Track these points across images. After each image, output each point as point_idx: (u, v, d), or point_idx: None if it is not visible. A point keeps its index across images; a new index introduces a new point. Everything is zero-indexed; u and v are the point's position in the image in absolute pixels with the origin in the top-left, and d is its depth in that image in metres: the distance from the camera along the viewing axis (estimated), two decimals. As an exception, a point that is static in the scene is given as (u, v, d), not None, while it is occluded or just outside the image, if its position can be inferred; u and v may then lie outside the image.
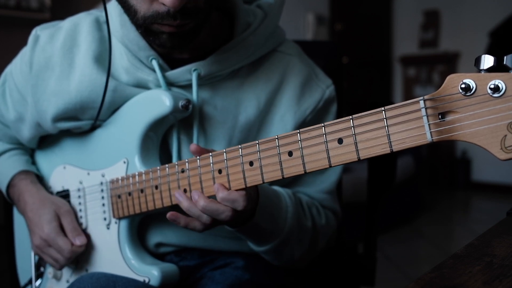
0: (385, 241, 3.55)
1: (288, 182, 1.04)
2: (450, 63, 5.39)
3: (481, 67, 0.58)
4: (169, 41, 0.87)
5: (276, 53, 1.03)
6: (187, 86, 0.97)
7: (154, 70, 0.96)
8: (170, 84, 0.97)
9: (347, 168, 3.58)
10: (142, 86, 0.98)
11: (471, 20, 5.22)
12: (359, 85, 5.19)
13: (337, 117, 1.09)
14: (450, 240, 3.81)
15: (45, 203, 1.04)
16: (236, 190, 0.80)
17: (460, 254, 0.68)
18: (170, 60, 0.97)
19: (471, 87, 0.58)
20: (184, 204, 0.84)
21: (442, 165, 5.36)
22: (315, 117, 1.02)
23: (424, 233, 3.93)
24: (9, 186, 1.11)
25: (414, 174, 4.18)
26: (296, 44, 1.09)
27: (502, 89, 0.56)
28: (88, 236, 1.04)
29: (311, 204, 1.03)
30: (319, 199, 1.06)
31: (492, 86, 0.56)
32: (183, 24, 0.84)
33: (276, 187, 0.99)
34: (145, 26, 0.86)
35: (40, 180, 1.13)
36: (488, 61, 0.58)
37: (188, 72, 0.95)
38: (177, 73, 0.95)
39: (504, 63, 0.56)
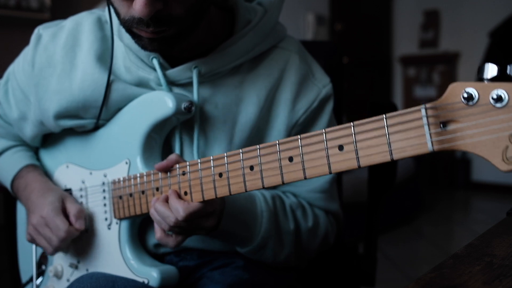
0: (385, 241, 3.55)
1: None
2: (450, 63, 5.39)
3: (484, 76, 0.57)
4: (150, 45, 0.87)
5: (277, 49, 1.03)
6: (188, 84, 0.97)
7: (154, 69, 0.96)
8: (170, 83, 0.97)
9: (347, 168, 3.57)
10: (143, 85, 0.99)
11: (471, 20, 5.22)
12: (359, 85, 5.19)
13: (334, 116, 1.09)
14: (450, 240, 3.81)
15: (53, 189, 1.05)
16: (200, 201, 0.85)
17: (460, 254, 0.68)
18: (171, 59, 0.97)
19: (474, 96, 0.57)
20: (151, 210, 0.90)
21: (442, 165, 5.36)
22: (309, 117, 1.02)
23: (424, 233, 3.93)
24: (15, 178, 1.11)
25: (414, 174, 4.18)
26: (297, 40, 1.09)
27: (505, 99, 0.55)
28: (88, 236, 1.04)
29: (296, 206, 1.03)
30: (308, 198, 1.05)
31: (494, 96, 0.55)
32: (159, 31, 0.84)
33: (254, 191, 0.99)
34: (127, 29, 0.87)
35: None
36: (491, 70, 0.56)
37: (189, 70, 0.95)
38: (177, 71, 0.96)
39: (508, 72, 0.55)
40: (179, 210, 0.83)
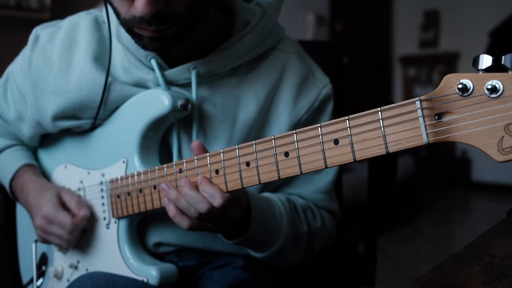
0: (385, 241, 3.55)
1: (282, 182, 1.04)
2: (450, 63, 5.39)
3: (479, 67, 0.57)
4: (151, 45, 0.87)
5: (275, 51, 1.03)
6: (187, 85, 0.97)
7: (153, 69, 0.96)
8: (169, 83, 0.97)
9: (347, 168, 3.58)
10: (141, 85, 0.98)
11: (471, 20, 5.23)
12: (359, 85, 5.19)
13: (336, 117, 1.09)
14: (450, 240, 3.81)
15: (47, 187, 1.05)
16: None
17: (460, 254, 0.68)
18: (169, 59, 0.97)
19: (468, 88, 0.57)
20: (172, 195, 0.84)
21: (442, 165, 5.36)
22: (311, 117, 1.02)
23: (424, 233, 3.93)
24: (12, 178, 1.11)
25: (414, 174, 4.19)
26: (295, 41, 1.09)
27: (499, 89, 0.55)
28: (87, 236, 1.04)
29: (306, 208, 1.03)
30: (314, 200, 1.05)
31: (489, 87, 0.55)
32: (161, 29, 0.83)
33: (268, 194, 0.99)
34: (127, 29, 0.87)
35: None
36: (486, 61, 0.56)
37: (187, 70, 0.95)
38: (176, 72, 0.96)
39: (503, 63, 0.55)
40: (216, 196, 0.80)
